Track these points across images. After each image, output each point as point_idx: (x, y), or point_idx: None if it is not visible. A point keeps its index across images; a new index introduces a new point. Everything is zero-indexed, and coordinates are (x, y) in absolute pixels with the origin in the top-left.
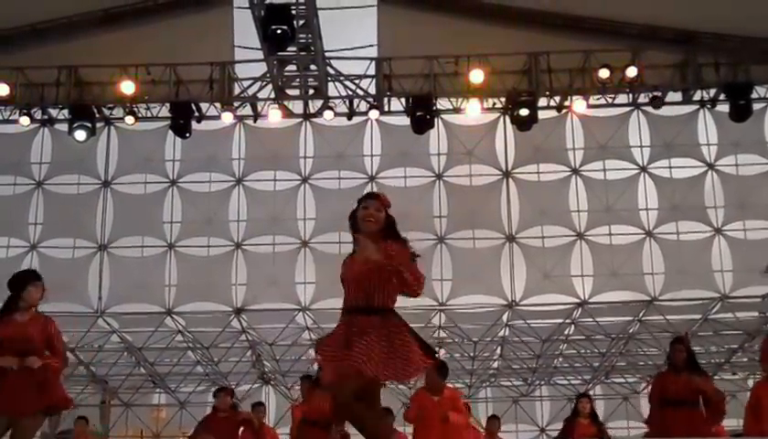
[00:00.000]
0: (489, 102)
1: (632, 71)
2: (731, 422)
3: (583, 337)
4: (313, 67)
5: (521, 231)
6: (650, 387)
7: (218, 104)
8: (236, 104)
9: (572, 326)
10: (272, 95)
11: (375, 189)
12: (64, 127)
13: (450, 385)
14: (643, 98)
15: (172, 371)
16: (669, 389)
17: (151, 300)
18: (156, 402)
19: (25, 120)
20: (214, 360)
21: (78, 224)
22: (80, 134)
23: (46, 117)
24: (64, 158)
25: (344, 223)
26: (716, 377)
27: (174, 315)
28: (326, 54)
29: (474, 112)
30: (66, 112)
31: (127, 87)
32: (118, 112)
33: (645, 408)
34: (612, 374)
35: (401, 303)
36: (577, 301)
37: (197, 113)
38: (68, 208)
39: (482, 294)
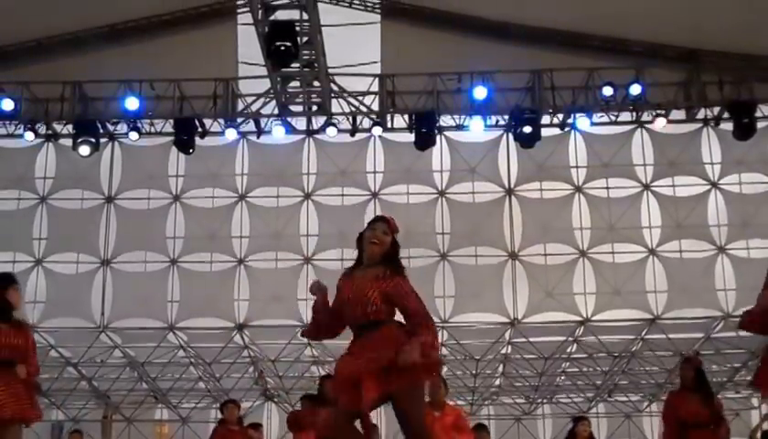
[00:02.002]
0: (492, 119)
1: (635, 89)
2: None
3: (586, 356)
4: (316, 83)
5: (524, 249)
6: (663, 407)
7: (221, 120)
8: (239, 120)
9: (575, 344)
10: (276, 111)
11: (379, 208)
12: (68, 142)
13: (451, 403)
14: (646, 116)
15: (174, 387)
16: (686, 410)
17: (153, 315)
18: (158, 418)
19: (29, 135)
20: (216, 376)
21: (81, 239)
22: (84, 150)
23: (50, 132)
24: (68, 173)
25: (346, 240)
26: (719, 395)
27: (176, 331)
28: (330, 70)
29: (477, 128)
30: (70, 127)
31: (131, 103)
32: (122, 127)
33: (648, 427)
34: (614, 392)
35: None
36: (579, 319)
37: (200, 129)
38: (71, 223)
39: (484, 311)
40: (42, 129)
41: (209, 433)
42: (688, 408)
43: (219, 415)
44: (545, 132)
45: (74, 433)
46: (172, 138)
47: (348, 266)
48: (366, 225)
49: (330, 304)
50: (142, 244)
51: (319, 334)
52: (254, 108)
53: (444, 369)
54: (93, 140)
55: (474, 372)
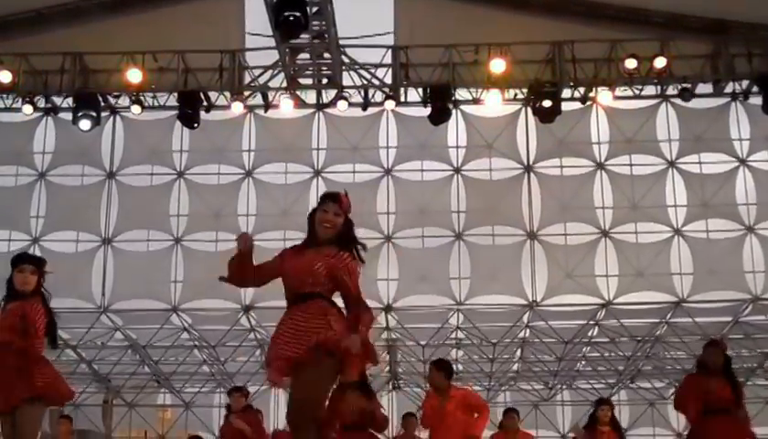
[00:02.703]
0: (510, 93)
1: (660, 62)
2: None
3: (607, 340)
4: (326, 55)
5: (543, 228)
6: (679, 391)
7: (227, 93)
8: (246, 94)
9: (596, 327)
10: (284, 84)
11: (392, 185)
12: (68, 116)
13: (460, 385)
14: (671, 90)
15: (177, 371)
16: (713, 394)
17: (156, 296)
18: (161, 403)
19: (27, 108)
20: (221, 360)
21: (81, 217)
22: (85, 124)
23: (49, 106)
24: (68, 148)
25: (358, 218)
26: (748, 382)
27: (179, 313)
28: (341, 42)
29: (494, 103)
30: (70, 100)
31: (134, 75)
32: (124, 100)
33: (673, 414)
34: (637, 379)
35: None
36: (601, 302)
37: (205, 103)
38: (71, 200)
39: (501, 293)
40: (41, 102)
41: (213, 418)
42: (717, 392)
43: (224, 400)
44: (565, 106)
45: (63, 419)
46: (176, 112)
47: (297, 244)
48: (317, 205)
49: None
50: (144, 222)
51: (245, 277)
52: (262, 81)
53: (460, 353)
54: (94, 114)
55: (490, 357)
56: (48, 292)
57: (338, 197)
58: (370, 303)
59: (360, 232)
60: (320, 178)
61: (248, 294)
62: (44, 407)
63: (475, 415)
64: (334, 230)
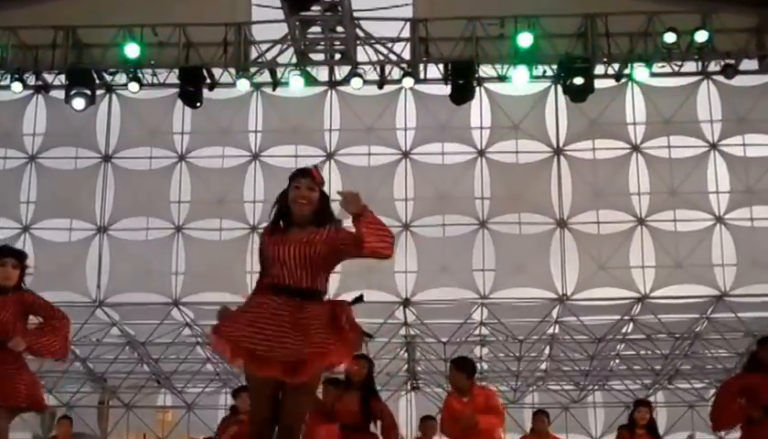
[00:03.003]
0: (539, 70)
1: (701, 36)
2: None
3: (643, 337)
4: (339, 29)
5: (574, 216)
6: (721, 391)
7: (232, 70)
8: (253, 70)
9: (631, 323)
10: (294, 60)
11: (410, 169)
12: (61, 94)
13: (483, 384)
14: (713, 66)
15: (178, 369)
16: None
17: (156, 289)
18: (161, 404)
19: (17, 86)
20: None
21: (75, 203)
22: (79, 103)
23: (40, 83)
24: (60, 129)
25: (373, 205)
26: None
27: (181, 307)
28: (355, 14)
29: (521, 80)
30: (63, 77)
31: (131, 50)
32: (121, 78)
33: None
34: (675, 379)
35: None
36: (636, 295)
37: (208, 80)
38: (64, 185)
39: (529, 286)
40: (31, 79)
41: (218, 421)
42: None
43: (229, 401)
44: (598, 83)
45: (63, 420)
46: (177, 90)
47: (270, 225)
48: (288, 182)
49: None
50: (143, 209)
51: None
52: (269, 56)
53: (484, 350)
54: (88, 92)
55: (517, 355)
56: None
57: (309, 171)
58: (386, 296)
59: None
60: (332, 162)
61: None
62: (9, 415)
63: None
64: (310, 206)
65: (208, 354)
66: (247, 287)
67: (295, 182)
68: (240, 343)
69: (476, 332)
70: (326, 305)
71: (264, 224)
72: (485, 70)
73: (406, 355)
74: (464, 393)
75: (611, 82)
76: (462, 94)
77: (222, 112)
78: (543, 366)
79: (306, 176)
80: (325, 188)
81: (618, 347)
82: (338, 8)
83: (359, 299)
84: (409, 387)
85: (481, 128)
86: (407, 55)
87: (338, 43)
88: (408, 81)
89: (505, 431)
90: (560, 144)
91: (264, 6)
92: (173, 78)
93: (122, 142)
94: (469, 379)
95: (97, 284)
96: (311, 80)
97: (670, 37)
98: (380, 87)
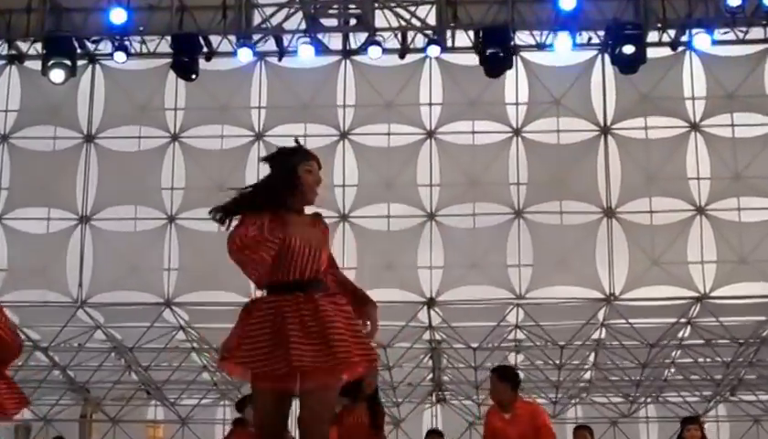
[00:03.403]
0: (583, 37)
1: None
2: None
3: (702, 342)
4: None
5: (623, 204)
6: None
7: (232, 37)
8: (256, 38)
9: (688, 327)
10: (303, 26)
11: (435, 151)
12: (37, 65)
13: (529, 398)
14: None
15: (171, 379)
16: None
17: (145, 288)
18: (151, 418)
19: None
20: None
21: (53, 190)
22: (57, 75)
23: (14, 52)
24: (36, 105)
25: (394, 191)
26: None
27: (174, 308)
28: None
29: (563, 48)
30: (39, 46)
31: (117, 15)
32: (105, 46)
33: None
34: (739, 390)
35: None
36: (695, 295)
37: (205, 49)
38: (41, 168)
39: (571, 284)
40: (4, 48)
41: (216, 437)
42: None
43: (229, 414)
44: (651, 53)
45: None
46: (169, 60)
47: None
48: (296, 159)
49: None
50: (130, 197)
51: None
52: (274, 22)
53: (520, 358)
54: (69, 62)
55: (557, 363)
56: None
57: (315, 155)
58: (408, 295)
59: (398, 209)
60: (347, 142)
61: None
62: None
63: None
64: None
65: (204, 361)
66: (247, 285)
67: (307, 164)
68: (250, 363)
69: (511, 336)
70: (344, 306)
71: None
72: (522, 38)
73: (430, 362)
74: (505, 409)
75: (666, 51)
76: (495, 65)
77: (221, 85)
78: (587, 375)
79: (315, 161)
80: (338, 172)
81: (673, 353)
82: None
83: None
84: (434, 399)
85: (517, 104)
86: (432, 20)
87: (353, 6)
88: (433, 50)
89: None
90: (608, 122)
91: None
92: (164, 46)
93: (107, 120)
94: (513, 391)
95: (78, 282)
96: (322, 49)
97: (734, 0)
98: (402, 57)
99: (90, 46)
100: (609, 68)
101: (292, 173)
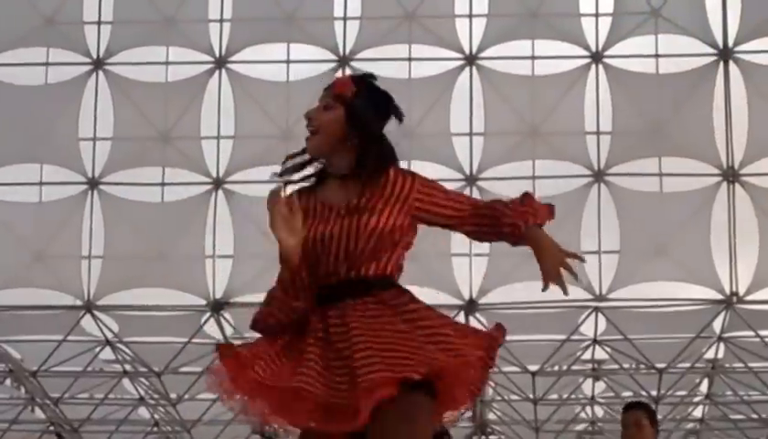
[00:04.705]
0: None
1: None
2: None
3: None
4: None
5: (749, 164)
6: None
7: None
8: None
9: None
10: None
11: (477, 82)
12: None
13: None
14: None
15: (93, 417)
16: None
17: (54, 284)
18: None
19: None
20: (171, 398)
21: None
22: None
23: None
24: None
25: (421, 144)
26: None
27: (97, 313)
28: None
29: None
30: None
31: None
32: None
33: None
34: None
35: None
36: None
37: None
38: None
39: (674, 279)
40: None
41: None
42: None
43: None
44: None
45: None
46: None
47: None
48: None
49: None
50: (33, 151)
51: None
52: None
53: (599, 387)
54: None
55: (653, 394)
56: None
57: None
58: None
59: (429, 170)
60: (348, 70)
61: (219, 279)
62: None
63: None
64: (326, 136)
65: (140, 391)
66: (204, 282)
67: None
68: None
69: (586, 356)
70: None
71: (237, 175)
72: None
73: None
74: None
75: None
76: None
77: None
78: (697, 412)
79: (327, 91)
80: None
81: None
82: None
83: None
84: None
85: (597, 16)
86: None
87: None
88: None
89: None
90: (729, 43)
91: None
92: None
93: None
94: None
95: None
96: None
97: None
98: None
99: None
100: None
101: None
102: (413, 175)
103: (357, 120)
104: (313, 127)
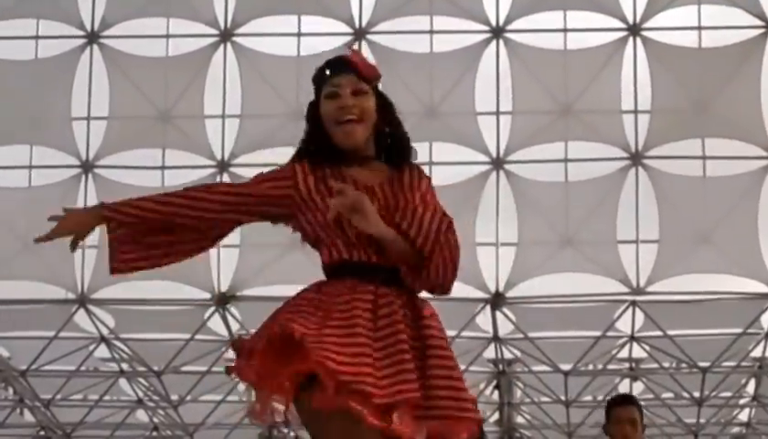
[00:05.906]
0: None
1: None
2: None
3: None
4: None
5: None
6: None
7: None
8: None
9: None
10: None
11: (505, 57)
12: None
13: None
14: None
15: (87, 420)
16: None
17: (47, 276)
18: None
19: None
20: (172, 400)
21: None
22: None
23: None
24: None
25: (438, 119)
26: None
27: (92, 307)
28: None
29: None
30: None
31: None
32: None
33: None
34: None
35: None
36: None
37: None
38: None
39: (717, 271)
40: None
41: None
42: None
43: None
44: None
45: None
46: None
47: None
48: (318, 84)
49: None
50: (23, 132)
51: None
52: None
53: (638, 387)
54: None
55: (695, 396)
56: None
57: (347, 61)
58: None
59: (445, 151)
60: (365, 45)
61: (224, 271)
62: None
63: None
64: (364, 123)
65: (139, 392)
66: (209, 274)
67: (330, 86)
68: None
69: (623, 354)
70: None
71: (242, 158)
72: None
73: (496, 394)
74: None
75: None
76: None
77: None
78: (743, 415)
79: (347, 70)
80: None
81: None
82: None
83: None
84: None
85: None
86: None
87: None
88: None
89: None
90: None
91: None
92: None
93: None
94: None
95: None
96: None
97: None
98: None
99: None
100: None
101: (313, 113)
102: (428, 177)
103: (389, 106)
104: (354, 115)
